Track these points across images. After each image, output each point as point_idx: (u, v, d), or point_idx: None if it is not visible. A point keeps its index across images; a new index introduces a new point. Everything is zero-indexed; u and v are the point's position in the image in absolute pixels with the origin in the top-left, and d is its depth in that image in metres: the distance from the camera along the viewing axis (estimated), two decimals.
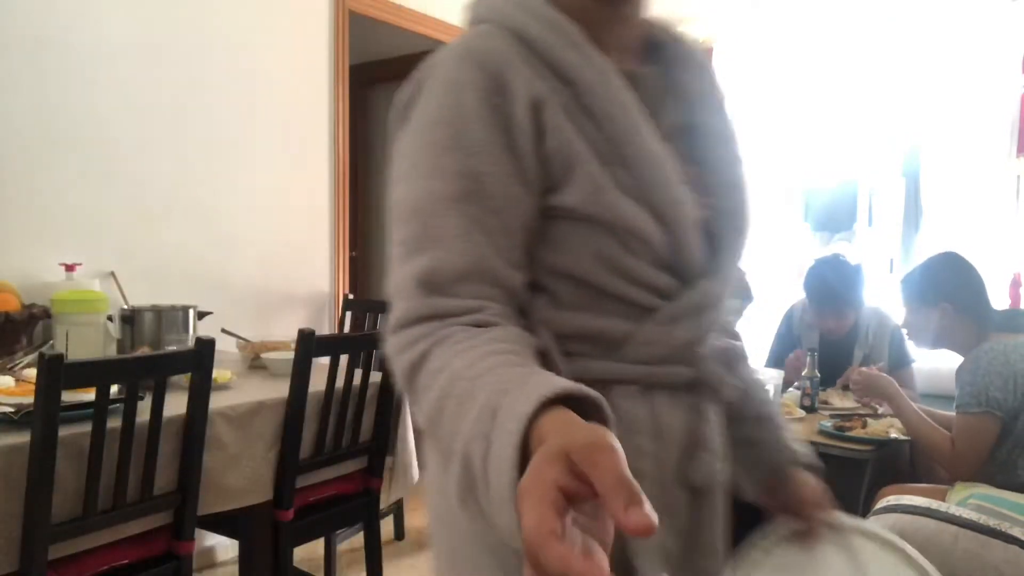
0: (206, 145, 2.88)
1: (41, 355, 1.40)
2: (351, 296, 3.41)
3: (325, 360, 2.03)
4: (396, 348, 0.69)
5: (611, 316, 0.76)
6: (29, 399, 1.49)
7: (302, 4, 3.20)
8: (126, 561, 1.63)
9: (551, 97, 0.73)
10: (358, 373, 2.12)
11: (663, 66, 0.85)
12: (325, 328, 3.34)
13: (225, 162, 2.94)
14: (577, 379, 0.68)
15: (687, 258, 0.77)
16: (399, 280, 0.71)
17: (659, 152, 0.75)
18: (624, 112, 0.75)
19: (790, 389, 2.64)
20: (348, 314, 3.33)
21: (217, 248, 2.93)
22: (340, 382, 2.06)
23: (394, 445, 2.29)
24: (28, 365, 1.76)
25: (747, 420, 0.91)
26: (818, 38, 4.47)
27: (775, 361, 2.86)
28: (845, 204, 4.51)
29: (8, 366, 1.76)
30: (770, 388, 2.35)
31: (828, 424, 2.22)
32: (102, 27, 2.56)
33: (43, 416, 1.40)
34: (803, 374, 2.53)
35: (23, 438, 1.42)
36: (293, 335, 2.02)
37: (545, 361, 0.72)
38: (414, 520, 3.40)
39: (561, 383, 0.52)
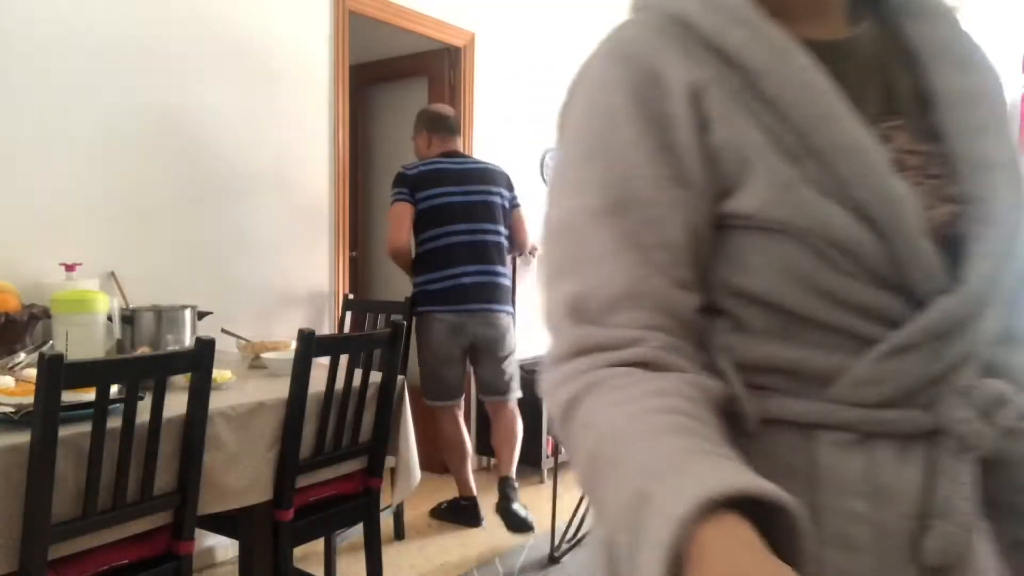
0: (206, 144, 2.88)
1: (41, 355, 1.40)
2: (351, 296, 3.42)
3: (325, 360, 2.03)
4: (547, 386, 0.61)
5: (815, 347, 0.61)
6: (29, 399, 1.49)
7: (302, 4, 3.20)
8: (126, 561, 1.64)
9: (715, 84, 0.62)
10: (358, 373, 2.13)
11: (886, 20, 0.69)
12: (325, 328, 3.35)
13: (225, 161, 2.94)
14: (772, 420, 0.59)
15: (915, 271, 0.60)
16: (549, 309, 0.63)
17: (861, 138, 0.60)
18: (810, 94, 0.61)
19: None
20: (348, 314, 3.33)
21: (217, 248, 2.93)
22: (340, 382, 2.06)
23: (396, 446, 2.29)
24: (28, 365, 1.76)
25: (1013, 480, 0.66)
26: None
27: None
28: None
29: (8, 366, 1.76)
30: None
31: None
32: (100, 26, 2.56)
33: (43, 416, 1.41)
34: None
35: (23, 438, 1.42)
36: (293, 335, 2.02)
37: (728, 411, 0.60)
38: (414, 520, 3.40)
39: (729, 480, 0.42)
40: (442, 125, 3.29)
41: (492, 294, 3.16)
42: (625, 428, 0.51)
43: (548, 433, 3.95)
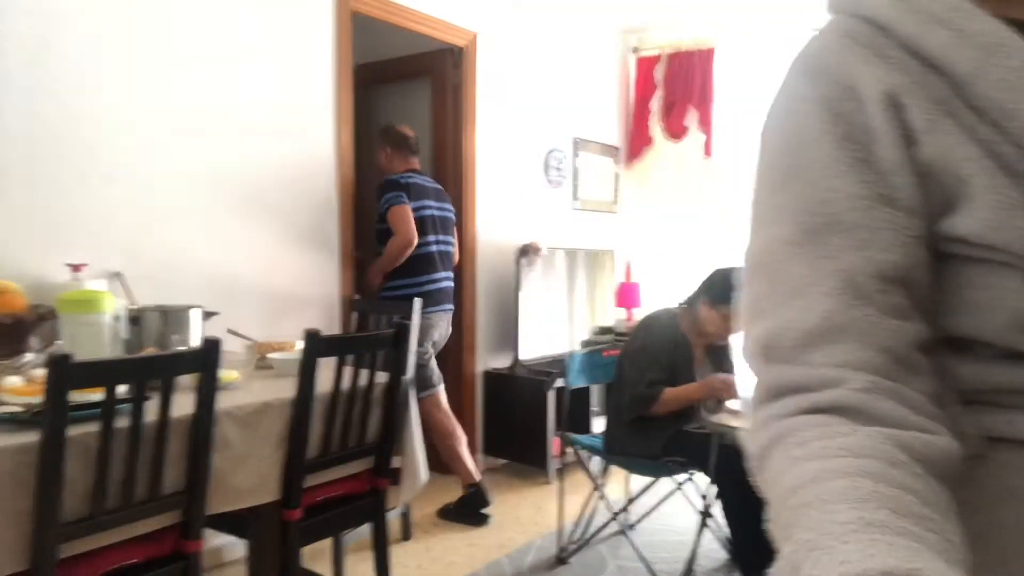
0: (210, 145, 2.88)
1: (49, 355, 1.40)
2: (356, 297, 3.42)
3: (331, 360, 2.03)
4: (746, 432, 0.57)
5: None
6: (38, 399, 1.49)
7: (305, 5, 3.20)
8: (135, 560, 1.64)
9: (917, 91, 0.55)
10: (364, 373, 2.13)
11: None
12: (331, 329, 3.35)
13: (230, 162, 2.95)
14: (1002, 439, 0.53)
15: None
16: (745, 349, 0.58)
17: None
18: None
19: None
20: (354, 315, 3.33)
21: (223, 248, 2.93)
22: (346, 382, 2.06)
23: (402, 446, 2.29)
24: (36, 365, 1.76)
25: None
26: None
27: None
28: None
29: (16, 366, 1.76)
30: None
31: None
32: (102, 28, 2.56)
33: (51, 415, 1.41)
34: None
35: (32, 437, 1.42)
36: (299, 335, 2.02)
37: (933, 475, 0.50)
38: (421, 520, 3.40)
39: (871, 562, 0.39)
40: (405, 144, 3.51)
41: (451, 297, 3.57)
42: (800, 492, 0.46)
43: (555, 433, 3.94)
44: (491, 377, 4.21)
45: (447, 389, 4.16)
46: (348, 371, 2.07)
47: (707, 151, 4.96)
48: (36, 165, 2.41)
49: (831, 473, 0.45)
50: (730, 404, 2.62)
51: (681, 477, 2.99)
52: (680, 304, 2.96)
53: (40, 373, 1.69)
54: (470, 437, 4.15)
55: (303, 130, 3.22)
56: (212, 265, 2.89)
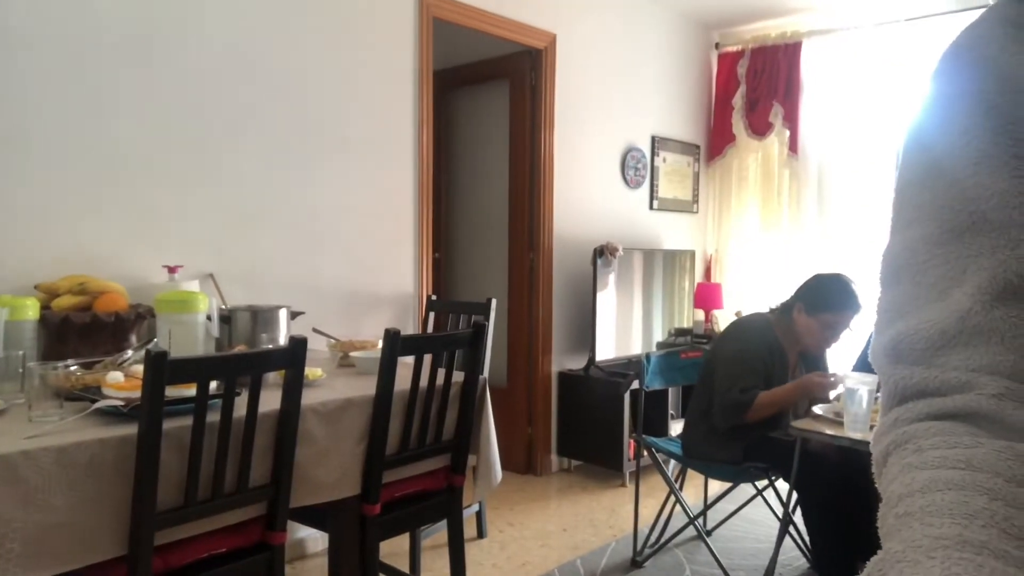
0: (296, 150, 2.98)
1: (147, 352, 1.48)
2: (434, 297, 3.47)
3: (410, 359, 2.07)
4: (872, 436, 0.55)
5: None
6: (136, 393, 1.58)
7: (387, 13, 3.28)
8: (223, 550, 1.71)
9: None
10: (441, 372, 2.16)
11: None
12: (409, 328, 3.41)
13: (314, 167, 3.04)
14: None
15: None
16: (874, 351, 0.56)
17: None
18: None
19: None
20: (431, 314, 3.39)
21: (307, 250, 3.03)
22: (424, 381, 2.10)
23: (478, 444, 2.32)
24: (136, 361, 1.87)
25: None
26: (933, 13, 4.27)
27: (865, 366, 2.76)
28: None
29: (118, 362, 1.87)
30: (864, 394, 2.26)
31: None
32: (201, 39, 2.68)
33: (149, 410, 1.48)
34: None
35: (132, 430, 1.51)
36: (379, 334, 2.07)
37: None
38: (495, 519, 3.43)
39: None
40: None
41: None
42: (906, 500, 0.44)
43: (630, 435, 3.91)
44: (566, 378, 4.21)
45: (520, 388, 4.20)
46: (426, 370, 2.11)
47: (793, 148, 4.82)
48: (138, 171, 2.55)
49: (942, 484, 0.43)
50: (816, 409, 2.53)
51: (761, 483, 2.91)
52: (772, 310, 2.87)
53: (139, 369, 1.79)
54: (543, 437, 4.16)
55: (385, 135, 3.30)
56: (297, 266, 3.00)
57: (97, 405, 1.60)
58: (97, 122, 2.45)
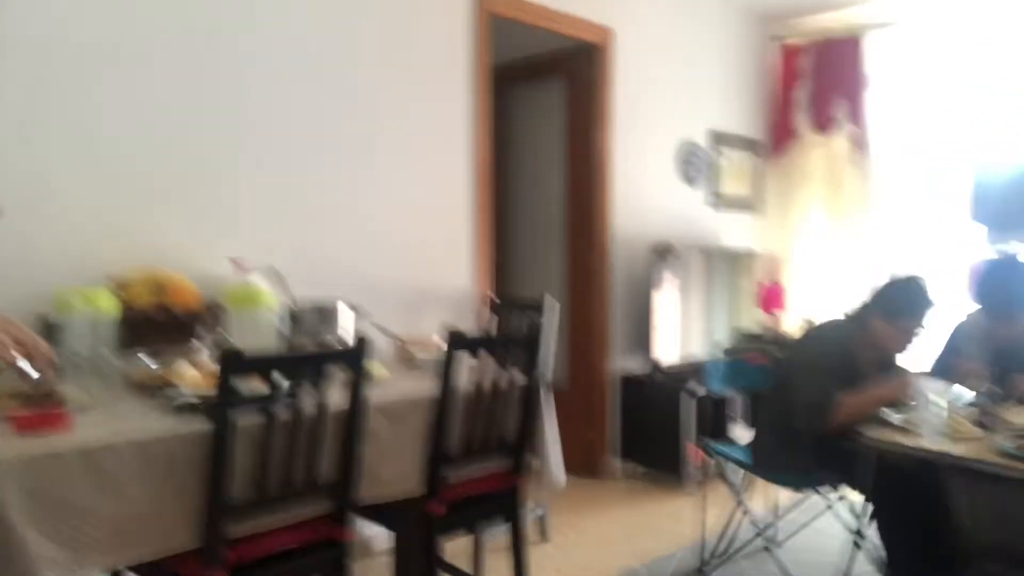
0: (357, 149, 3.00)
1: (219, 348, 1.49)
2: (494, 296, 3.45)
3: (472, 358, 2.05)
4: None
5: None
6: (210, 389, 1.60)
7: (444, 10, 3.28)
8: (293, 545, 1.72)
9: None
10: (502, 372, 2.13)
11: None
12: (467, 325, 3.40)
13: (375, 164, 3.06)
14: None
15: None
16: None
17: None
18: None
19: (961, 403, 2.41)
20: (491, 313, 3.37)
21: (369, 248, 3.05)
22: (485, 381, 2.07)
23: (540, 446, 2.28)
24: (208, 356, 1.89)
25: None
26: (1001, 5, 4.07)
27: (941, 372, 2.64)
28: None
29: (191, 357, 1.89)
30: (942, 402, 2.15)
31: (1010, 445, 1.99)
32: (263, 39, 2.72)
33: (221, 405, 1.50)
34: (980, 389, 2.31)
35: (205, 425, 1.52)
36: (439, 332, 2.05)
37: None
38: (559, 523, 3.38)
39: None
40: None
41: None
42: None
43: (693, 441, 3.83)
44: (627, 381, 4.14)
45: (580, 390, 4.14)
46: (487, 370, 2.08)
47: (859, 144, 4.67)
48: (207, 169, 2.59)
49: None
50: (888, 417, 2.43)
51: (833, 494, 2.81)
52: (847, 316, 2.75)
53: (209, 362, 1.81)
54: (602, 440, 4.10)
55: (442, 133, 3.30)
56: (359, 263, 3.01)
57: (172, 400, 1.62)
58: (166, 122, 2.49)
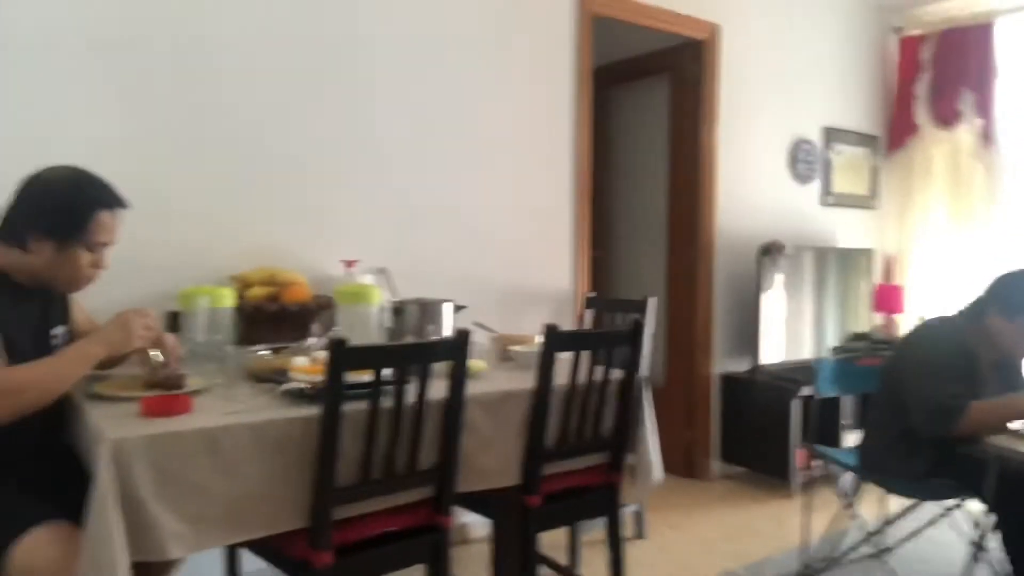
0: (461, 150, 3.09)
1: (329, 340, 1.58)
2: (592, 294, 3.47)
3: (568, 355, 2.08)
4: None
5: None
6: (320, 377, 1.70)
7: (546, 13, 3.31)
8: (395, 528, 1.79)
9: None
10: (599, 369, 2.15)
11: None
12: (567, 324, 3.43)
13: (477, 166, 3.14)
14: None
15: None
16: None
17: None
18: None
19: None
20: (589, 312, 3.38)
21: (470, 247, 3.13)
22: (583, 376, 2.10)
23: (637, 443, 2.29)
24: (318, 348, 2.00)
25: None
26: None
27: None
28: None
29: (303, 348, 2.02)
30: None
31: None
32: (378, 53, 2.84)
33: (330, 393, 1.59)
34: None
35: (315, 411, 1.62)
36: (537, 330, 2.09)
37: None
38: (655, 520, 3.37)
39: None
40: None
41: None
42: None
43: (800, 444, 3.71)
44: (729, 381, 4.06)
45: (678, 389, 4.09)
46: (584, 366, 2.10)
47: (986, 139, 4.38)
48: (320, 175, 2.74)
49: None
50: (1012, 425, 2.28)
51: (950, 502, 2.66)
52: (960, 314, 2.59)
53: (321, 355, 1.92)
54: (704, 440, 4.04)
55: (544, 134, 3.34)
56: (461, 262, 3.10)
57: (285, 387, 1.73)
58: (285, 132, 2.66)
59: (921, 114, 4.68)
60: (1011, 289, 2.45)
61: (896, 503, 3.07)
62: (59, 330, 1.83)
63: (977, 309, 2.51)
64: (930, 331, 2.61)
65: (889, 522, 2.93)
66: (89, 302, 2.02)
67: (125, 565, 1.35)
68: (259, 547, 1.76)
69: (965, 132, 4.49)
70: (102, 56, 2.31)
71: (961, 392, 2.36)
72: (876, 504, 3.17)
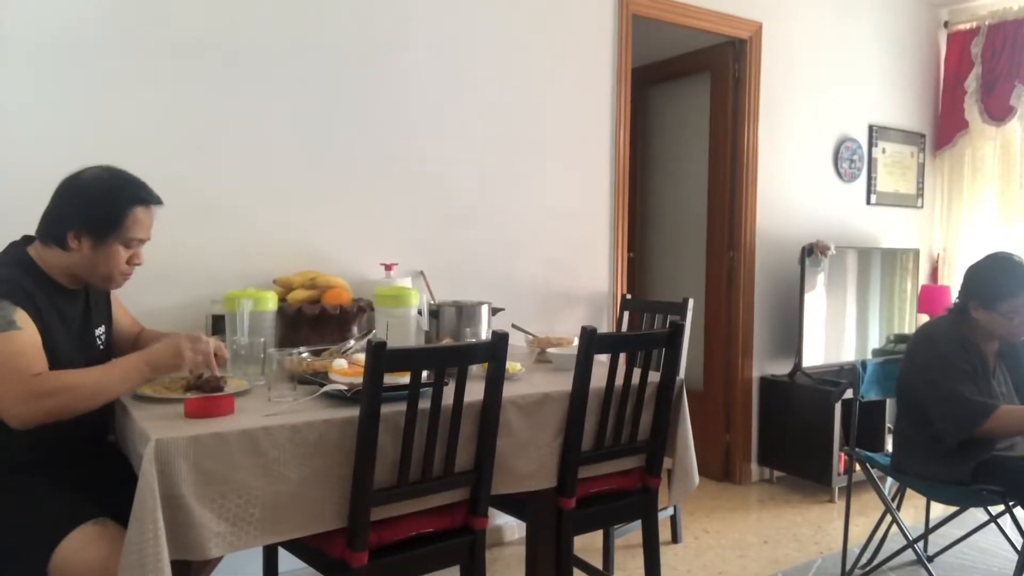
0: (497, 154, 3.10)
1: (368, 342, 1.61)
2: (629, 296, 3.46)
3: (605, 357, 2.08)
4: None
5: None
6: (359, 379, 1.73)
7: (586, 14, 3.31)
8: (431, 529, 1.82)
9: None
10: (636, 372, 2.14)
11: None
12: (604, 327, 3.42)
13: (513, 169, 3.14)
14: None
15: None
16: None
17: None
18: None
19: None
20: (626, 314, 3.37)
21: (507, 249, 3.14)
22: (619, 379, 2.09)
23: (673, 447, 2.28)
24: (358, 350, 2.04)
25: None
26: None
27: None
28: None
29: (342, 350, 2.05)
30: None
31: None
32: (420, 59, 2.87)
33: (369, 394, 1.61)
34: None
35: (354, 412, 1.65)
36: (574, 332, 2.09)
37: None
38: (690, 524, 3.35)
39: None
40: None
41: None
42: None
43: (841, 448, 3.65)
44: (768, 384, 4.01)
45: (717, 392, 4.05)
46: (621, 368, 2.10)
47: None
48: (359, 180, 2.78)
49: None
50: None
51: (995, 508, 2.59)
52: (949, 311, 2.59)
53: (361, 357, 1.95)
54: (743, 444, 4.00)
55: (582, 135, 3.33)
56: (497, 264, 3.11)
57: (325, 389, 1.77)
58: (328, 138, 2.70)
59: (971, 110, 4.56)
60: (979, 281, 2.47)
61: (940, 508, 3.00)
62: (101, 329, 1.88)
63: (961, 304, 2.53)
64: (927, 332, 2.59)
65: (932, 528, 2.87)
66: (138, 303, 2.09)
67: (166, 563, 1.39)
68: (296, 546, 1.80)
69: (1017, 128, 4.37)
70: (155, 61, 2.38)
71: (976, 389, 2.37)
72: (918, 510, 3.10)
